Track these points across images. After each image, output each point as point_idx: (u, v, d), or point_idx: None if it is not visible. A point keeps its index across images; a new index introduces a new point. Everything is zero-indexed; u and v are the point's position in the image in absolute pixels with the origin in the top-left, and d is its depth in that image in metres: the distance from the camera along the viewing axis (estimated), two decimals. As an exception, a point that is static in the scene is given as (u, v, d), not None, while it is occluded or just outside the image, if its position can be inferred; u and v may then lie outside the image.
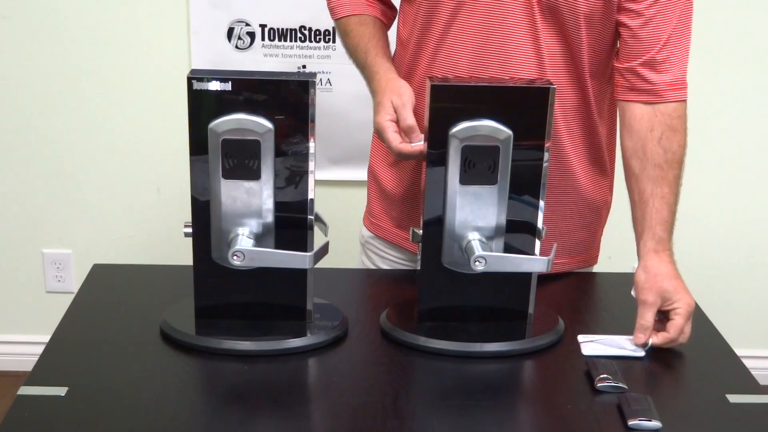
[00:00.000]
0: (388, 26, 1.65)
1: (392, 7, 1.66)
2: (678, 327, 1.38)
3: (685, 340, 1.39)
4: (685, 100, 1.49)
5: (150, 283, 1.60)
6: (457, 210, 1.35)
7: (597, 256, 1.71)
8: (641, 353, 1.37)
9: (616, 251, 2.79)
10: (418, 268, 1.41)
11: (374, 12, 1.62)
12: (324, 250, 1.36)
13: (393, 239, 1.67)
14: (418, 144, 1.40)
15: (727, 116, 2.66)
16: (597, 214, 1.66)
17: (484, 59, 1.49)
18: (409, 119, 1.42)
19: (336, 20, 1.65)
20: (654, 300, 1.41)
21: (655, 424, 1.17)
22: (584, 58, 1.50)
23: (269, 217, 1.34)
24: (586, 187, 1.60)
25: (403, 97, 1.44)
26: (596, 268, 1.73)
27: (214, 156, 1.31)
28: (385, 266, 1.70)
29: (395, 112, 1.44)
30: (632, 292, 1.45)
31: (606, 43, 1.51)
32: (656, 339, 1.38)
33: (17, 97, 2.61)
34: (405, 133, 1.43)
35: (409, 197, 1.62)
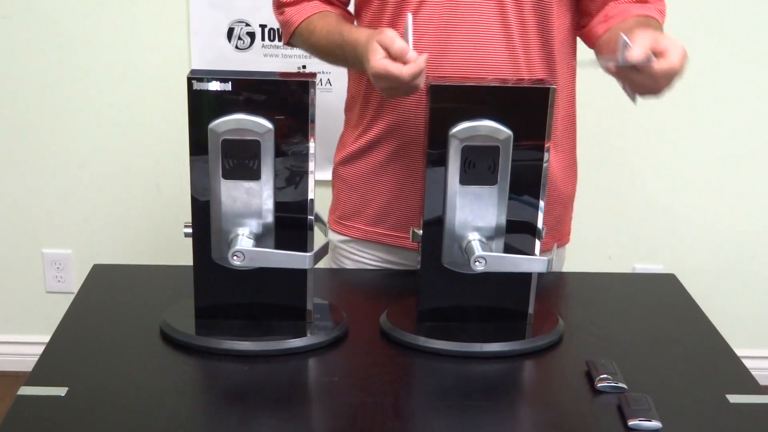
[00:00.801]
0: (351, 22, 1.63)
1: (350, 13, 1.64)
2: (675, 50, 1.32)
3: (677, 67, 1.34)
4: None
5: (150, 283, 1.60)
6: (457, 210, 1.35)
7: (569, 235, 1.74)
8: None
9: (616, 251, 2.80)
10: (419, 267, 1.41)
11: (335, 10, 1.61)
12: (324, 250, 1.36)
13: (374, 238, 1.67)
14: (422, 56, 1.34)
15: (728, 116, 2.66)
16: (566, 205, 1.68)
17: (452, 41, 1.49)
18: (399, 43, 1.34)
19: (295, 30, 1.61)
20: (650, 35, 1.34)
21: (655, 424, 1.17)
22: (554, 39, 1.52)
23: (269, 218, 1.34)
24: (558, 177, 1.62)
25: (384, 33, 1.37)
26: (596, 268, 1.73)
27: (214, 156, 1.31)
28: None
29: (384, 49, 1.36)
30: (620, 49, 1.35)
31: (570, 24, 1.55)
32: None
33: (17, 96, 2.61)
34: (398, 56, 1.34)
35: (385, 192, 1.62)
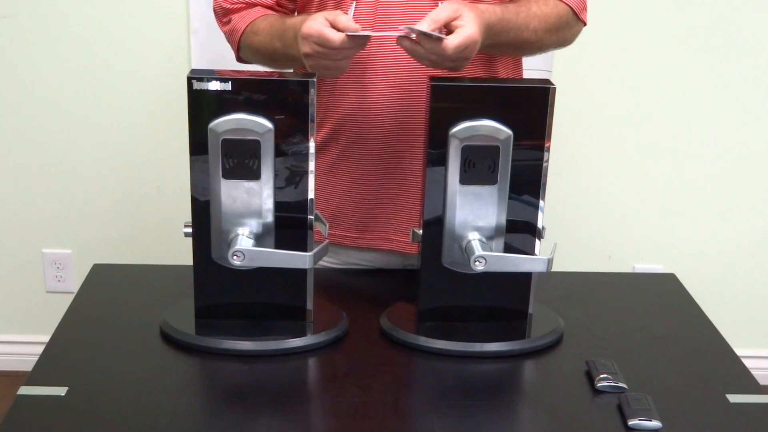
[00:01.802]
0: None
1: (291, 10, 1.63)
2: (453, 40, 1.32)
3: (445, 57, 1.34)
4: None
5: (150, 283, 1.60)
6: (457, 210, 1.35)
7: None
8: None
9: (616, 251, 2.80)
10: (419, 267, 1.41)
11: (277, 12, 1.60)
12: (324, 250, 1.36)
13: (353, 243, 1.65)
14: (362, 35, 1.36)
15: (728, 116, 2.66)
16: None
17: (385, 41, 1.47)
18: (345, 18, 1.36)
19: (241, 36, 1.60)
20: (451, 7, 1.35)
21: (655, 424, 1.17)
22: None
23: (269, 217, 1.34)
24: None
25: (334, 12, 1.40)
26: (596, 268, 1.73)
27: (214, 156, 1.31)
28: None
29: (327, 20, 1.36)
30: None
31: None
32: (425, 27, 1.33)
33: (17, 96, 2.61)
34: (347, 29, 1.34)
35: (337, 193, 1.61)
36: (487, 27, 1.40)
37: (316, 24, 1.36)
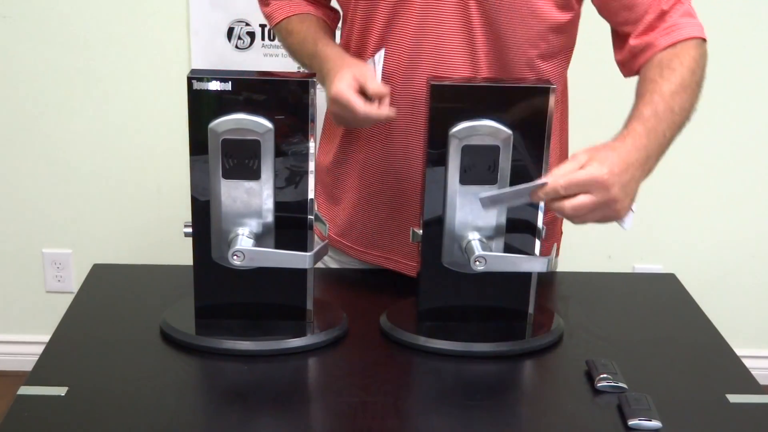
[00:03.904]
0: (332, 28, 1.62)
1: (334, 10, 1.63)
2: (569, 176, 1.21)
3: (569, 211, 1.22)
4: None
5: (150, 283, 1.60)
6: (457, 210, 1.35)
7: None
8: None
9: (616, 251, 2.80)
10: (419, 267, 1.41)
11: (316, 12, 1.60)
12: (324, 250, 1.36)
13: (339, 246, 1.65)
14: (385, 107, 1.38)
15: (727, 115, 2.66)
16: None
17: (418, 61, 1.45)
18: (378, 84, 1.38)
19: (276, 25, 1.61)
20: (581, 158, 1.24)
21: (655, 424, 1.17)
22: (510, 47, 1.45)
23: (269, 217, 1.34)
24: None
25: (365, 67, 1.41)
26: (596, 268, 1.73)
27: (214, 156, 1.31)
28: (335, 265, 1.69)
29: (357, 82, 1.38)
30: None
31: (552, 40, 1.48)
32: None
33: (16, 96, 2.61)
34: (376, 96, 1.37)
35: (348, 207, 1.61)
36: (631, 164, 1.27)
37: (345, 89, 1.37)
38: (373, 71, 1.42)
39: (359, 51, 1.51)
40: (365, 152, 1.56)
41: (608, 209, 1.23)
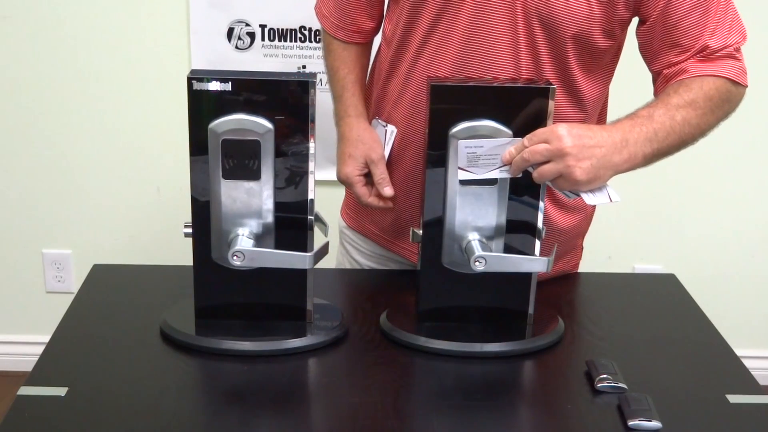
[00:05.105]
0: (369, 44, 1.65)
1: (376, 20, 1.62)
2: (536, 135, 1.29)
3: (526, 160, 1.29)
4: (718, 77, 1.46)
5: (150, 283, 1.60)
6: (457, 210, 1.35)
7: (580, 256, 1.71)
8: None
9: (616, 251, 2.80)
10: (419, 267, 1.41)
11: (358, 39, 1.62)
12: (324, 250, 1.36)
13: (367, 233, 1.68)
14: (387, 197, 1.52)
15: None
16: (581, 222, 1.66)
17: (466, 62, 1.46)
18: (384, 173, 1.52)
19: (322, 28, 1.65)
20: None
21: (655, 424, 1.17)
22: (572, 70, 1.47)
23: (269, 218, 1.34)
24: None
25: (376, 153, 1.53)
26: (596, 268, 1.73)
27: (214, 156, 1.31)
28: (360, 257, 1.71)
29: (366, 166, 1.53)
30: None
31: (595, 58, 1.48)
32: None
33: (17, 97, 2.61)
34: (378, 185, 1.52)
35: (402, 205, 1.60)
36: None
37: (352, 175, 1.54)
38: (381, 147, 1.54)
39: (401, 45, 1.52)
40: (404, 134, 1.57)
41: (561, 162, 1.28)
